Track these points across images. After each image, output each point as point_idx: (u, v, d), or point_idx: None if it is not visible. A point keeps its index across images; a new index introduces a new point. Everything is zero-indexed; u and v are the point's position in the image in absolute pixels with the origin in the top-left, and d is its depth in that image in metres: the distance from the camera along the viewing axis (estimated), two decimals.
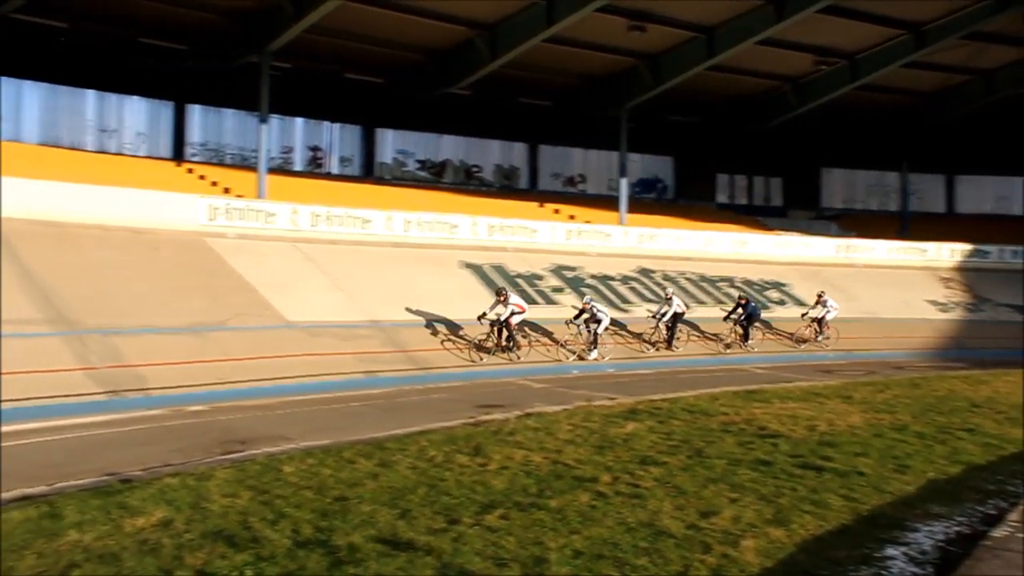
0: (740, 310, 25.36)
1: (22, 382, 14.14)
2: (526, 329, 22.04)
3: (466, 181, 35.00)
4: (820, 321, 26.69)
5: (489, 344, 21.02)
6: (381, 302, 21.11)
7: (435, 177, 34.43)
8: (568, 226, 30.38)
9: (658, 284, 27.80)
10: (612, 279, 27.65)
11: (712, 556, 6.73)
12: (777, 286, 30.40)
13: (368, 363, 18.73)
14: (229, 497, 8.41)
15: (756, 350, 25.28)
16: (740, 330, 25.42)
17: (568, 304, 23.38)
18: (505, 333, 21.18)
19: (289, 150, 31.82)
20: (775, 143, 37.50)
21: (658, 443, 11.14)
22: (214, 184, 25.86)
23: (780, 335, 26.79)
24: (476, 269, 25.37)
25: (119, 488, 8.91)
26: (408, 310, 21.29)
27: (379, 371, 18.55)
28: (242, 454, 11.04)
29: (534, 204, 33.02)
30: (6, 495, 8.99)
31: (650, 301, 26.15)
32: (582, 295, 23.98)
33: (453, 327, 21.35)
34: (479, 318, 20.63)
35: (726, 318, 25.37)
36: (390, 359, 19.21)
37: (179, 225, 21.90)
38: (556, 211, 32.50)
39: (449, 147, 35.02)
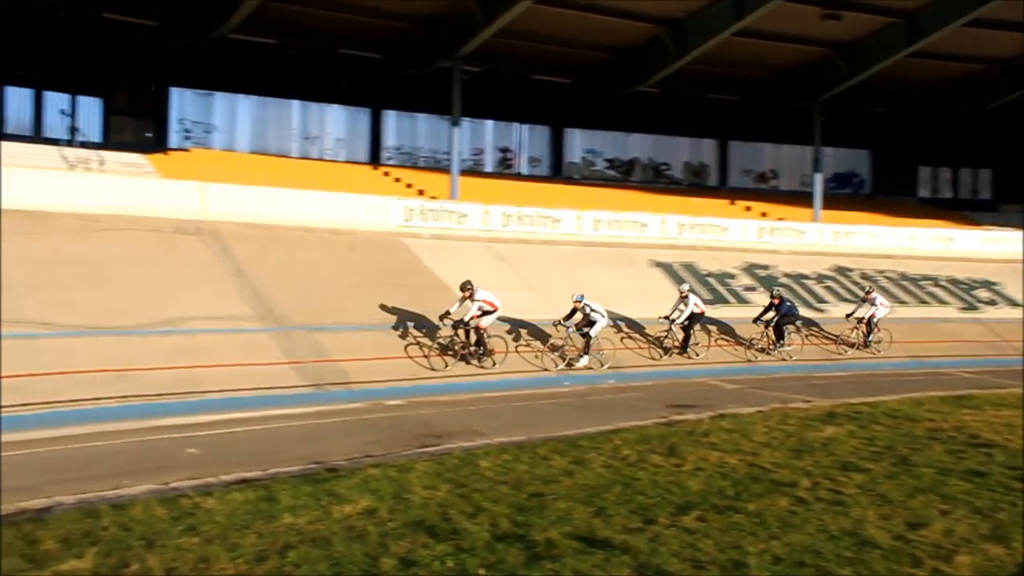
0: (772, 312, 21.72)
1: (237, 374, 15.13)
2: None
3: (655, 179, 34.68)
4: (868, 322, 23.21)
5: (458, 348, 18.09)
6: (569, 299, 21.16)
7: (623, 176, 34.30)
8: (760, 223, 29.60)
9: (856, 283, 26.58)
10: (807, 277, 26.69)
11: (923, 571, 6.39)
12: (987, 285, 28.45)
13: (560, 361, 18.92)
14: (429, 489, 8.70)
15: (794, 358, 21.72)
16: (772, 334, 21.85)
17: (761, 304, 22.69)
18: (473, 336, 18.01)
19: (480, 152, 32.52)
20: (982, 132, 35.14)
21: (859, 449, 10.71)
22: (409, 186, 26.82)
23: (823, 339, 23.42)
24: (666, 268, 25.10)
25: (326, 476, 9.39)
26: None
27: (570, 371, 18.65)
28: (439, 448, 11.37)
29: (724, 201, 32.36)
30: (226, 477, 9.68)
31: (847, 301, 25.00)
32: (775, 293, 22.06)
33: (640, 326, 21.18)
34: (441, 318, 17.66)
35: (756, 320, 21.84)
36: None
37: (376, 226, 22.85)
38: (747, 208, 31.71)
39: (637, 145, 34.80)
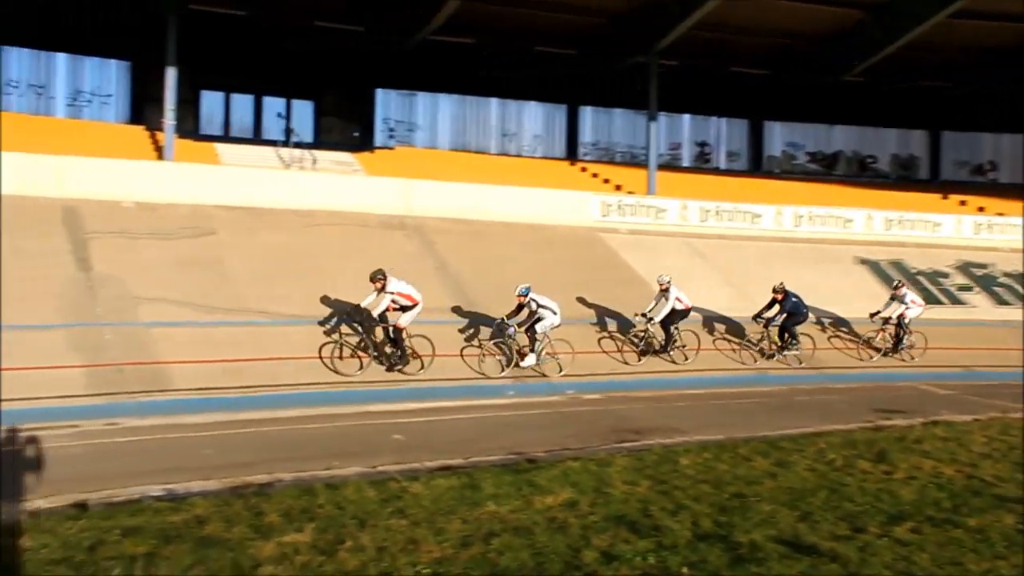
0: (776, 307, 18.32)
1: (438, 363, 15.63)
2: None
3: (859, 173, 33.05)
4: (898, 324, 19.72)
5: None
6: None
7: (826, 169, 32.88)
8: (976, 219, 27.64)
9: None
10: None
11: None
12: None
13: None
14: (629, 484, 8.68)
15: (802, 364, 18.38)
16: (776, 335, 18.62)
17: (979, 305, 21.12)
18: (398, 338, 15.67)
19: (676, 146, 32.08)
20: None
21: None
22: (606, 181, 26.80)
23: (847, 343, 20.08)
24: (872, 265, 23.91)
25: (526, 467, 9.55)
26: None
27: (769, 369, 18.12)
28: (637, 443, 11.33)
29: (936, 195, 30.38)
30: (430, 463, 10.03)
31: None
32: (778, 287, 18.32)
33: (845, 324, 20.29)
34: (349, 312, 15.77)
35: (756, 317, 18.46)
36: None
37: (574, 221, 22.99)
38: (962, 203, 29.63)
39: (841, 138, 33.24)
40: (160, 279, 15.21)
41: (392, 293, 15.42)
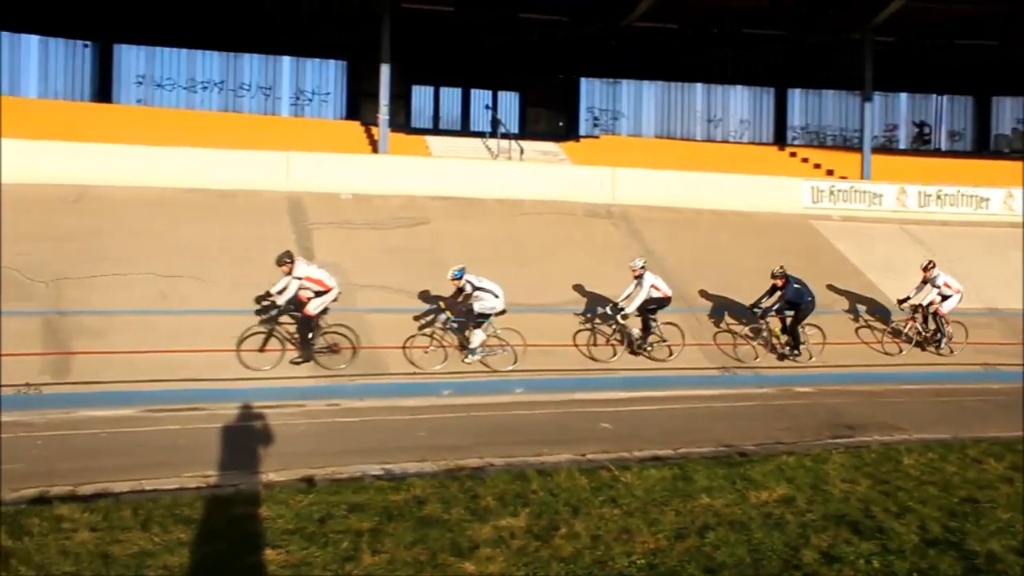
0: (776, 294, 16.00)
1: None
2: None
3: None
4: (933, 314, 17.16)
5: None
6: (1001, 288, 19.13)
7: None
8: None
9: None
10: None
11: None
12: None
13: (986, 355, 17.13)
14: (848, 483, 8.31)
15: (812, 359, 16.27)
16: (779, 330, 16.36)
17: None
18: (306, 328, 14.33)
19: (892, 128, 30.45)
20: None
21: None
22: (817, 166, 25.73)
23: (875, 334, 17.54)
24: None
25: (739, 460, 9.31)
26: None
27: (999, 364, 16.85)
28: (854, 439, 10.86)
29: None
30: (639, 453, 9.99)
31: None
32: (778, 272, 16.02)
33: None
34: (258, 299, 14.56)
35: (752, 307, 16.27)
36: (1010, 352, 17.31)
37: (783, 208, 22.23)
38: None
39: None
40: (377, 267, 15.91)
41: (300, 278, 14.15)
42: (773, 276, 15.87)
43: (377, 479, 8.70)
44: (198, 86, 26.15)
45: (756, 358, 16.06)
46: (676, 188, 21.84)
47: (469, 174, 20.88)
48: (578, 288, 16.87)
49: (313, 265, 14.56)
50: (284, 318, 14.29)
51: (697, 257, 18.91)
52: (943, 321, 17.17)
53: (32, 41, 25.00)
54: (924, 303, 17.08)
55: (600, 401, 13.57)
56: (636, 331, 15.76)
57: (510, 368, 14.78)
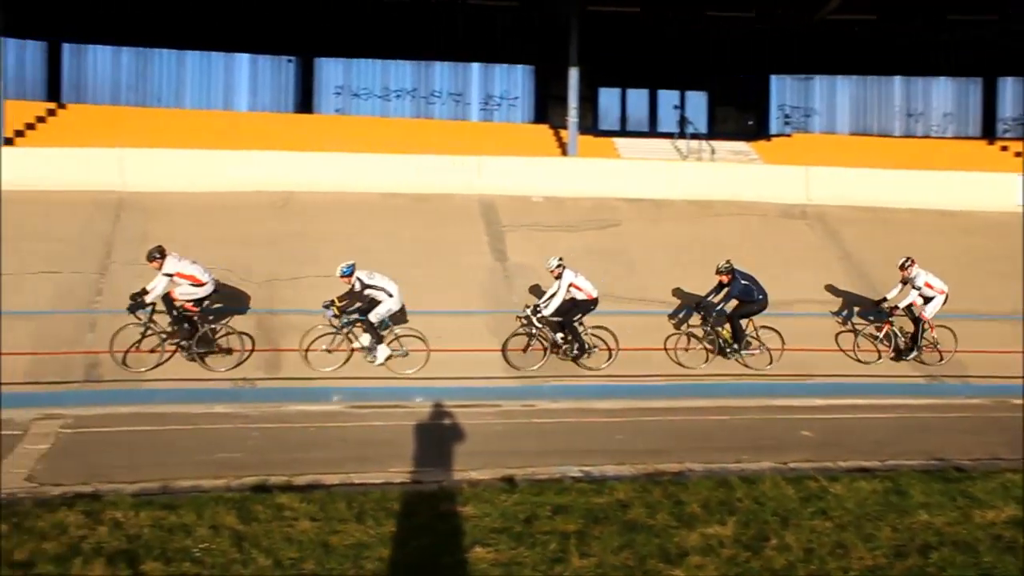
0: (723, 291, 14.62)
1: (844, 359, 14.91)
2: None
3: None
4: (914, 318, 15.34)
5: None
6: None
7: None
8: None
9: None
10: None
11: None
12: None
13: None
14: None
15: (768, 367, 14.71)
16: (726, 331, 14.87)
17: None
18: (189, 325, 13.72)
19: None
20: None
21: None
22: None
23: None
24: None
25: (956, 476, 8.82)
26: None
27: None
28: None
29: None
30: (843, 463, 9.65)
31: None
32: (723, 267, 14.72)
33: None
34: (133, 297, 13.36)
35: (697, 306, 14.95)
36: None
37: (994, 207, 20.78)
38: None
39: None
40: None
41: (171, 275, 13.41)
42: (718, 272, 14.70)
43: (577, 481, 8.79)
44: (392, 95, 27.16)
45: (706, 361, 14.88)
46: (874, 187, 20.86)
47: (658, 175, 20.69)
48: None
49: (186, 260, 13.70)
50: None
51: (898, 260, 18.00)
52: (924, 326, 15.41)
53: (243, 59, 26.75)
54: (902, 305, 15.38)
55: (798, 408, 13.16)
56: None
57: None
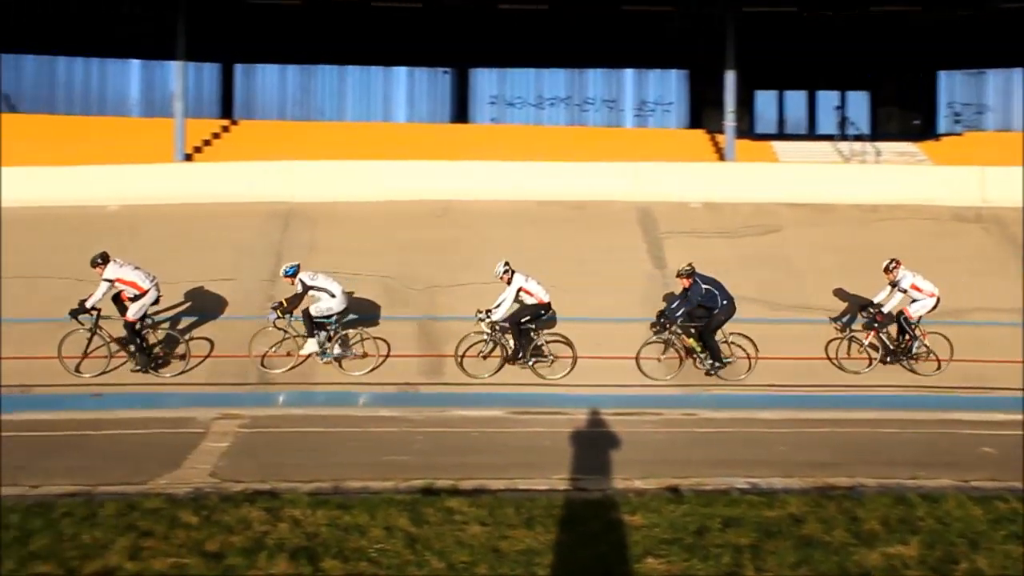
0: (680, 301, 13.99)
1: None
2: None
3: None
4: (905, 321, 14.27)
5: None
6: None
7: None
8: None
9: None
10: None
11: None
12: None
13: None
14: None
15: (742, 377, 13.97)
16: (692, 341, 14.06)
17: None
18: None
19: None
20: None
21: None
22: None
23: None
24: None
25: None
26: None
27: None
28: None
29: None
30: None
31: None
32: (684, 271, 14.10)
33: None
34: (77, 308, 13.24)
35: (660, 314, 14.19)
36: None
37: None
38: None
39: None
40: (729, 276, 15.69)
41: (112, 280, 13.26)
42: (678, 276, 14.11)
43: (745, 493, 8.61)
44: (545, 103, 27.43)
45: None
46: None
47: (819, 179, 20.06)
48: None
49: (128, 266, 13.52)
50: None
51: None
52: (913, 331, 14.32)
53: (401, 72, 27.59)
54: (886, 310, 14.33)
55: (975, 422, 12.43)
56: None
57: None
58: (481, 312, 14.03)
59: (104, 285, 13.24)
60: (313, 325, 13.83)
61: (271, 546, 6.93)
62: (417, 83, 27.74)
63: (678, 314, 13.99)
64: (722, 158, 21.88)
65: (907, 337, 14.42)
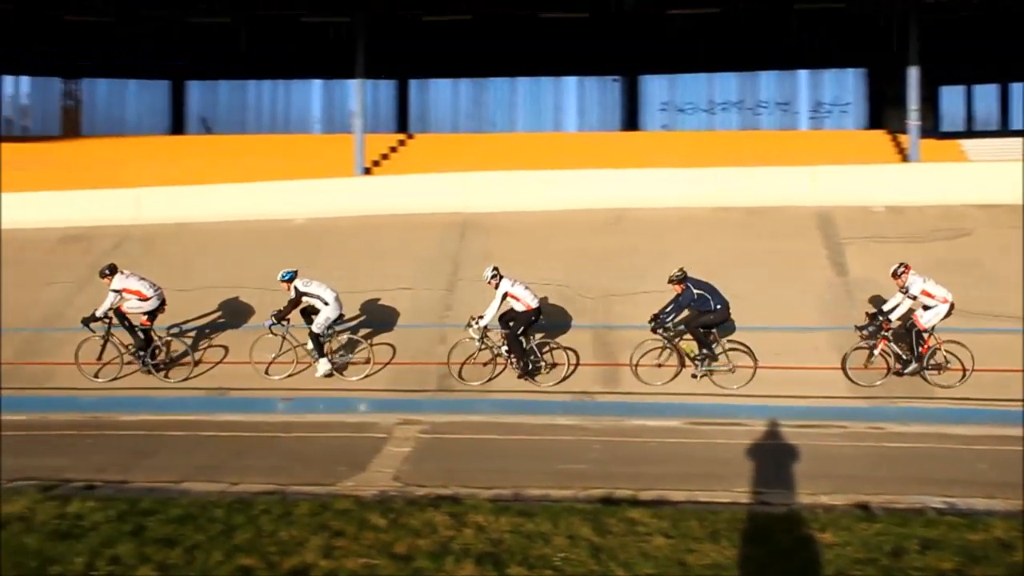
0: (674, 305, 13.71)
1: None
2: None
3: None
4: (915, 331, 13.19)
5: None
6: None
7: None
8: None
9: None
10: None
11: None
12: None
13: None
14: None
15: (735, 387, 13.61)
16: (691, 347, 13.94)
17: None
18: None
19: None
20: None
21: None
22: None
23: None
24: None
25: None
26: None
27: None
28: None
29: None
30: None
31: None
32: (675, 276, 13.92)
33: None
34: (88, 317, 14.11)
35: (653, 321, 13.90)
36: None
37: None
38: None
39: None
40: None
41: (119, 291, 14.13)
42: (670, 281, 13.85)
43: (942, 513, 8.20)
44: (717, 107, 27.02)
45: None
46: None
47: (1015, 178, 18.83)
48: None
49: (133, 276, 14.38)
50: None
51: None
52: (923, 339, 13.51)
53: (570, 82, 27.84)
54: (894, 317, 13.65)
55: None
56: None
57: None
58: (473, 318, 14.00)
59: (112, 295, 14.13)
60: (320, 345, 14.22)
61: (457, 551, 7.10)
62: (587, 92, 27.91)
63: (668, 319, 13.87)
64: (905, 159, 20.89)
65: (921, 348, 13.58)
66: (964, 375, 13.38)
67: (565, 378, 14.20)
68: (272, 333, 14.11)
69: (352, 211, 19.86)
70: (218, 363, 14.88)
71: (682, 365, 14.16)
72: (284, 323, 14.06)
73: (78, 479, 9.85)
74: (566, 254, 17.41)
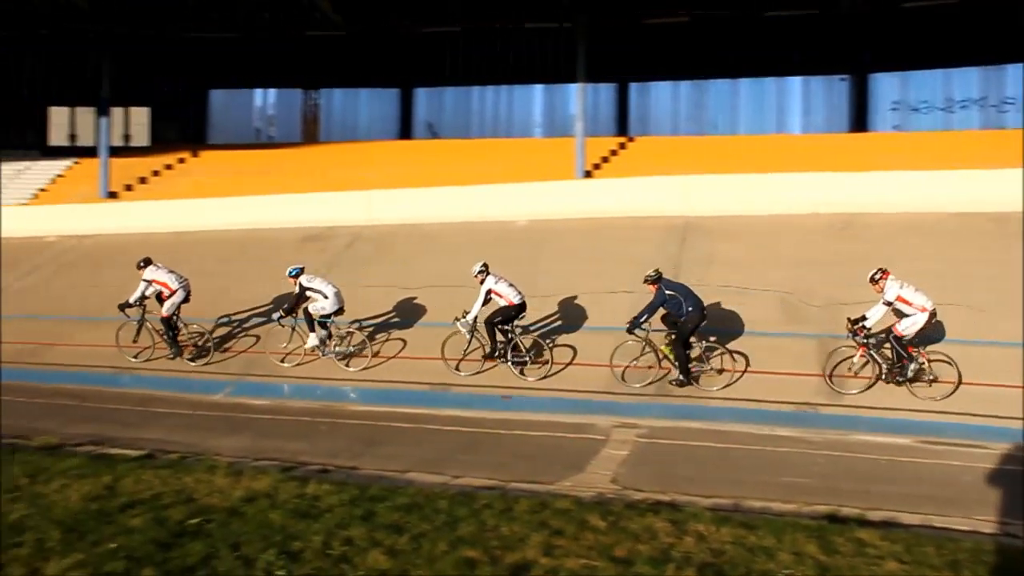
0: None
1: None
2: None
3: None
4: (894, 338, 12.69)
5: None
6: None
7: None
8: None
9: None
10: None
11: None
12: None
13: None
14: None
15: (715, 389, 13.62)
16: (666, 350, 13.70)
17: None
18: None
19: None
20: None
21: None
22: None
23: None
24: None
25: None
26: None
27: None
28: None
29: None
30: None
31: None
32: (650, 276, 13.83)
33: None
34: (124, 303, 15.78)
35: (632, 324, 13.62)
36: None
37: None
38: None
39: None
40: None
41: (149, 281, 15.69)
42: (645, 281, 13.87)
43: None
44: (956, 105, 25.29)
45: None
46: None
47: None
48: None
49: (163, 270, 15.89)
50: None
51: None
52: (903, 349, 13.00)
53: (795, 82, 26.94)
54: (869, 324, 13.16)
55: None
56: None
57: None
58: (459, 315, 14.40)
59: (143, 284, 15.72)
60: (312, 323, 15.21)
61: (678, 558, 7.00)
62: (812, 92, 26.91)
63: (641, 320, 13.76)
64: None
65: (902, 357, 13.06)
66: (956, 388, 12.79)
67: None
68: (281, 325, 15.35)
69: (573, 213, 20.13)
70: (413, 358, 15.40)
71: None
72: (293, 317, 15.27)
73: (313, 463, 10.57)
74: (791, 258, 16.93)
